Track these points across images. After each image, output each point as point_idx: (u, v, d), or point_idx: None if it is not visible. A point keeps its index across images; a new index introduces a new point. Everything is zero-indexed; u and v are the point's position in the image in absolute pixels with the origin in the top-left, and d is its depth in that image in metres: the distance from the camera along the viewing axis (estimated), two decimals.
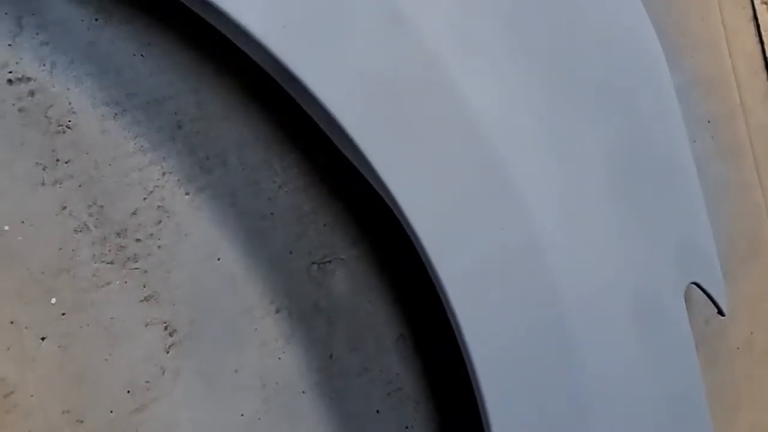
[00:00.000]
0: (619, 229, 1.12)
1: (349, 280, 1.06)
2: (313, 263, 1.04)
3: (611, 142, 1.15)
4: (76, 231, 0.90)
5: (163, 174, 0.94)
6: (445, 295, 0.94)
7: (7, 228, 0.86)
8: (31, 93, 0.88)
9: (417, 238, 0.93)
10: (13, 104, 0.87)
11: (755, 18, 1.43)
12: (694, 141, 1.30)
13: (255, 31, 0.86)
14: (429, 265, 0.95)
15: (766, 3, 1.44)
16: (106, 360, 0.91)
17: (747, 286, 1.36)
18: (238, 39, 0.90)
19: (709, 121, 1.37)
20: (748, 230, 1.39)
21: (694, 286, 1.15)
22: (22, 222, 0.87)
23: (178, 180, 0.95)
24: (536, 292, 1.00)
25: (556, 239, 1.03)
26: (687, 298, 1.14)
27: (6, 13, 0.86)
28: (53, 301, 0.89)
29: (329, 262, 1.05)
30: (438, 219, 0.95)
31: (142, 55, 0.93)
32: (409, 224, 0.92)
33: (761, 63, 1.43)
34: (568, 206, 1.06)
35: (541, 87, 1.04)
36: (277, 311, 1.01)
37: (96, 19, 0.90)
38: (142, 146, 0.93)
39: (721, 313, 1.24)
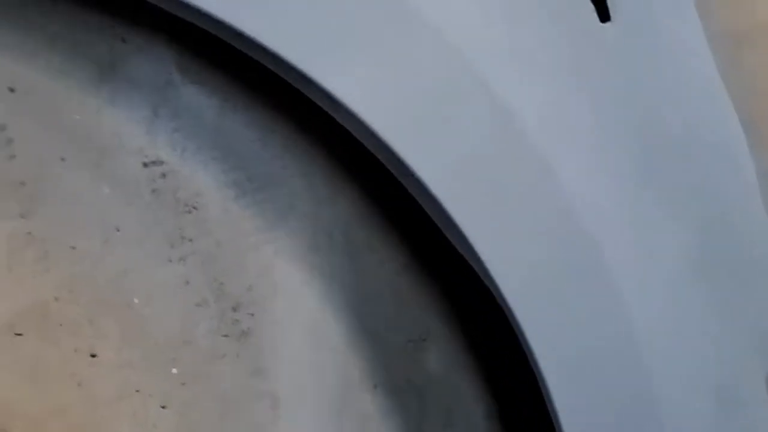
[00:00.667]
0: (703, 317, 1.14)
1: (442, 357, 1.10)
2: (409, 341, 1.08)
3: (694, 231, 1.18)
4: (197, 305, 0.95)
5: (276, 252, 1.00)
6: (544, 383, 0.98)
7: (136, 301, 0.92)
8: (163, 175, 0.94)
9: (519, 327, 0.97)
10: (147, 186, 0.93)
11: None
12: None
13: (372, 123, 0.91)
14: (529, 353, 0.99)
15: None
16: (218, 429, 0.95)
17: None
18: (354, 128, 0.96)
19: None
20: None
21: None
22: (150, 296, 0.93)
23: (290, 258, 1.00)
24: (628, 381, 1.03)
25: (646, 326, 1.07)
26: None
27: (144, 102, 0.92)
28: (174, 371, 0.94)
29: (424, 340, 1.09)
30: (537, 306, 0.99)
31: (261, 141, 0.99)
32: (512, 314, 0.96)
33: None
34: (655, 293, 1.09)
35: (629, 177, 1.08)
36: (375, 387, 1.05)
37: (222, 108, 0.96)
38: (258, 226, 0.99)
39: None
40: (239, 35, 0.86)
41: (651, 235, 1.10)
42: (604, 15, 1.15)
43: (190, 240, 0.94)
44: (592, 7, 1.11)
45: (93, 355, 0.90)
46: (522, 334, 0.99)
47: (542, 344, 0.99)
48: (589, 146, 1.08)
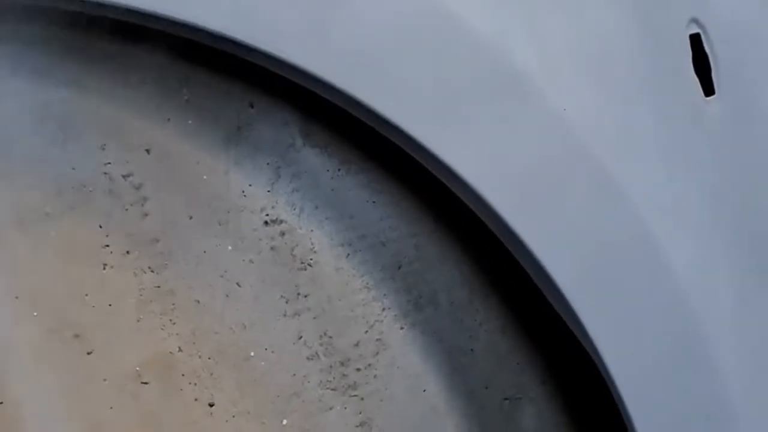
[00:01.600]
0: None
1: (537, 417, 1.12)
2: (506, 399, 1.10)
3: None
4: (308, 359, 0.98)
5: (383, 310, 1.02)
6: None
7: (252, 354, 0.95)
8: (282, 234, 0.97)
9: (619, 396, 0.98)
10: (267, 243, 0.96)
11: None
12: None
13: (489, 198, 0.94)
14: (625, 413, 1.00)
15: None
16: None
17: None
18: (464, 195, 0.99)
19: None
20: None
21: None
22: (265, 349, 0.96)
23: (395, 316, 1.03)
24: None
25: (740, 393, 1.07)
26: None
27: (268, 164, 0.96)
28: (284, 422, 0.97)
29: (520, 399, 1.11)
30: (638, 377, 1.00)
31: (373, 202, 1.02)
32: (613, 382, 0.98)
33: None
34: (752, 360, 1.10)
35: (735, 256, 1.09)
36: None
37: (339, 170, 1.00)
38: (367, 284, 1.02)
39: None
40: (362, 107, 0.89)
41: (755, 315, 1.10)
42: (708, 89, 1.15)
43: (305, 296, 0.98)
44: (696, 80, 1.11)
45: (211, 404, 0.93)
46: (621, 401, 1.01)
47: (641, 414, 1.00)
48: (695, 217, 1.08)
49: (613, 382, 1.00)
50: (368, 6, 0.90)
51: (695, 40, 1.14)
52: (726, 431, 1.07)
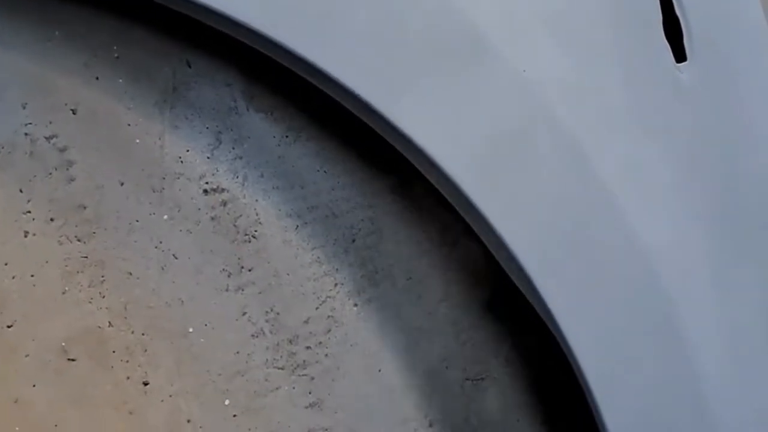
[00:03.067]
0: None
1: (500, 397, 1.03)
2: (467, 379, 1.01)
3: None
4: (253, 336, 0.89)
5: (335, 285, 0.93)
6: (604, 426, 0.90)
7: (191, 330, 0.86)
8: (224, 203, 0.88)
9: (581, 373, 0.89)
10: (207, 213, 0.87)
11: None
12: None
13: (445, 166, 0.85)
14: (591, 397, 0.91)
15: None
16: None
17: None
18: (421, 164, 0.89)
19: None
20: None
21: None
22: (206, 325, 0.87)
23: (349, 291, 0.94)
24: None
25: (715, 374, 0.98)
26: None
27: (207, 127, 0.87)
28: (227, 402, 0.88)
29: (482, 378, 1.02)
30: (602, 351, 0.91)
31: (324, 171, 0.93)
32: (575, 359, 0.89)
33: None
34: (728, 342, 1.01)
35: (710, 224, 1.00)
36: (431, 425, 0.98)
37: (286, 136, 0.91)
38: (318, 258, 0.92)
39: None
40: (311, 67, 0.80)
41: (728, 280, 1.01)
42: (680, 55, 1.07)
43: (249, 270, 0.88)
44: (667, 46, 1.02)
45: (145, 383, 0.84)
46: (586, 384, 0.91)
47: (607, 398, 0.91)
48: (667, 189, 1.00)
49: (575, 360, 0.90)
50: None
51: (666, 5, 1.05)
52: (697, 408, 0.97)
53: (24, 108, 0.81)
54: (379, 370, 0.96)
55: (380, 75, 0.85)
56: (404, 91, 0.86)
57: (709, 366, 0.99)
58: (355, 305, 0.95)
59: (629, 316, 0.95)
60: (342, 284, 0.94)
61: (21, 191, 0.81)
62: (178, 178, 0.86)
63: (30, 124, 0.82)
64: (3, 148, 0.80)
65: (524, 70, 0.92)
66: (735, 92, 1.11)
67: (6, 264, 0.81)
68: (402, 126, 0.86)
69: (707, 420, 0.98)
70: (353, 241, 0.95)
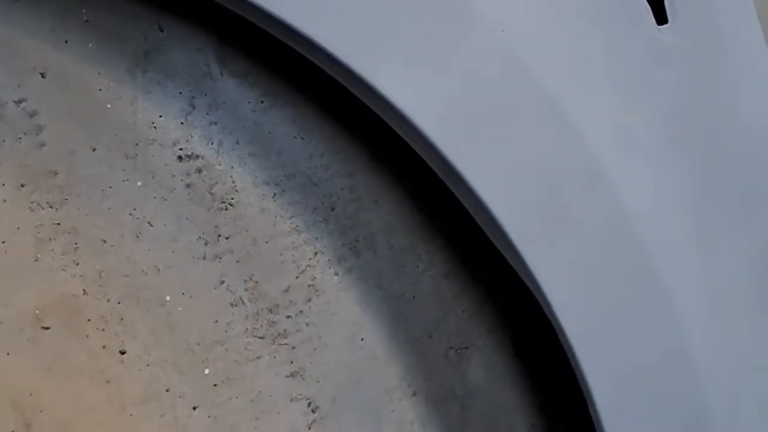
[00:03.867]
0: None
1: (484, 367, 1.01)
2: (451, 348, 0.99)
3: (759, 246, 1.08)
4: (231, 305, 0.86)
5: (315, 254, 0.91)
6: (592, 399, 0.88)
7: (168, 298, 0.83)
8: (199, 170, 0.85)
9: (569, 344, 0.87)
10: (182, 180, 0.84)
11: None
12: None
13: (422, 126, 0.82)
14: (578, 370, 0.89)
15: None
16: None
17: None
18: (400, 127, 0.87)
19: None
20: None
21: None
22: (183, 293, 0.84)
23: (329, 260, 0.91)
24: (683, 401, 0.93)
25: (703, 344, 0.96)
26: None
27: (180, 93, 0.84)
28: (206, 371, 0.85)
29: (466, 348, 0.99)
30: (589, 322, 0.89)
31: (302, 138, 0.90)
32: (562, 329, 0.87)
33: None
34: (716, 310, 0.99)
35: (694, 189, 0.98)
36: (414, 394, 0.96)
37: (262, 102, 0.88)
38: (297, 226, 0.90)
39: None
40: (287, 28, 0.77)
41: (716, 248, 0.99)
42: (661, 17, 1.05)
43: (226, 238, 0.86)
44: (648, 9, 1.01)
45: (122, 352, 0.81)
46: (570, 348, 0.89)
47: (592, 361, 0.89)
48: (649, 149, 0.98)
49: (561, 329, 0.88)
50: None
51: None
52: (686, 377, 0.95)
53: None
54: (362, 340, 0.93)
55: (356, 35, 0.82)
56: (381, 51, 0.83)
57: (694, 326, 0.97)
58: (336, 274, 0.92)
59: (614, 278, 0.93)
60: (322, 253, 0.92)
61: None
62: (152, 144, 0.84)
63: None
64: None
65: (503, 30, 0.89)
66: (716, 54, 1.10)
67: None
68: (379, 86, 0.84)
69: (693, 381, 0.96)
70: (333, 209, 0.93)
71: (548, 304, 0.90)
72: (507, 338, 1.01)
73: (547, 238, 0.90)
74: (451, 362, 0.99)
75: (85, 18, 0.81)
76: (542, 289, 0.89)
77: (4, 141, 0.79)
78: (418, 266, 0.97)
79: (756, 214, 1.07)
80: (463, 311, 1.00)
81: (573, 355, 0.91)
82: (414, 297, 0.97)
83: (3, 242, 0.79)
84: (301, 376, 0.90)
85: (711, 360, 0.97)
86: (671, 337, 0.95)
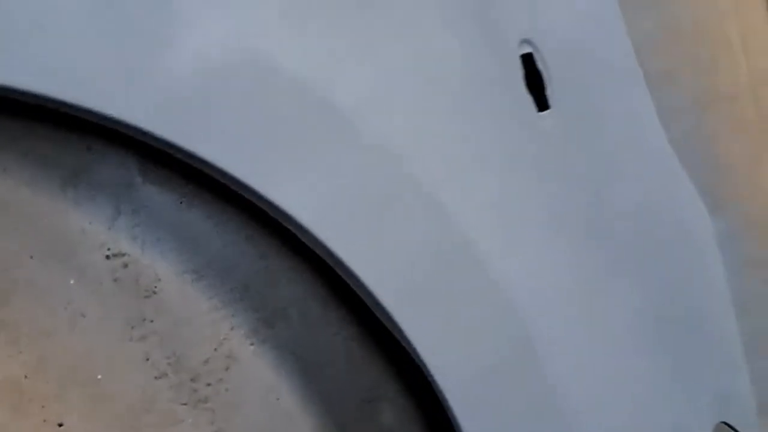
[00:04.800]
0: (652, 382, 1.17)
1: (395, 412, 1.16)
2: (363, 400, 1.14)
3: (643, 297, 1.20)
4: (156, 378, 1.03)
5: (232, 328, 1.07)
6: None
7: (100, 377, 1.00)
8: (125, 265, 1.02)
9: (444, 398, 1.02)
10: (110, 275, 1.01)
11: None
12: None
13: (304, 221, 0.97)
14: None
15: None
16: None
17: None
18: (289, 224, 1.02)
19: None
20: None
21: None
22: (113, 371, 1.01)
23: (245, 333, 1.07)
24: None
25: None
26: None
27: (107, 202, 1.01)
28: None
29: (378, 399, 1.15)
30: (468, 386, 1.04)
31: (217, 231, 1.06)
32: (437, 385, 1.02)
33: None
34: (596, 369, 1.13)
35: (573, 260, 1.12)
36: None
37: (181, 203, 1.04)
38: (215, 305, 1.06)
39: None
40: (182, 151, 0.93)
41: (596, 305, 1.12)
42: (542, 104, 1.16)
43: (151, 321, 1.02)
44: (530, 98, 1.13)
45: (60, 425, 0.98)
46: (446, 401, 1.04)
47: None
48: (535, 235, 1.11)
49: (439, 389, 1.03)
50: (179, 57, 0.93)
51: (528, 59, 1.16)
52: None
53: None
54: (278, 399, 1.09)
55: (249, 155, 0.98)
56: (275, 168, 0.99)
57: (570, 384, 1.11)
58: (252, 344, 1.09)
59: (488, 345, 1.08)
60: (239, 327, 1.08)
61: None
62: (82, 247, 1.00)
63: None
64: None
65: (386, 138, 1.03)
66: (597, 132, 1.22)
67: None
68: (275, 199, 0.99)
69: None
70: (248, 288, 1.09)
71: (423, 365, 1.05)
72: (412, 387, 1.16)
73: (423, 307, 1.05)
74: (363, 412, 1.15)
75: (23, 149, 0.98)
76: (417, 351, 1.05)
77: None
78: (329, 330, 1.13)
79: (642, 272, 1.20)
80: (374, 367, 1.16)
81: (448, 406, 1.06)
82: (326, 359, 1.13)
83: None
84: None
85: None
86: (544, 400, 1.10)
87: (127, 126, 0.89)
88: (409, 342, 1.01)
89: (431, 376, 1.01)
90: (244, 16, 0.95)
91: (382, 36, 1.03)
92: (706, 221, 1.31)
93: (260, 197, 0.96)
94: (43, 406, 0.97)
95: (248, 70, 0.96)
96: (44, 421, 0.98)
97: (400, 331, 1.00)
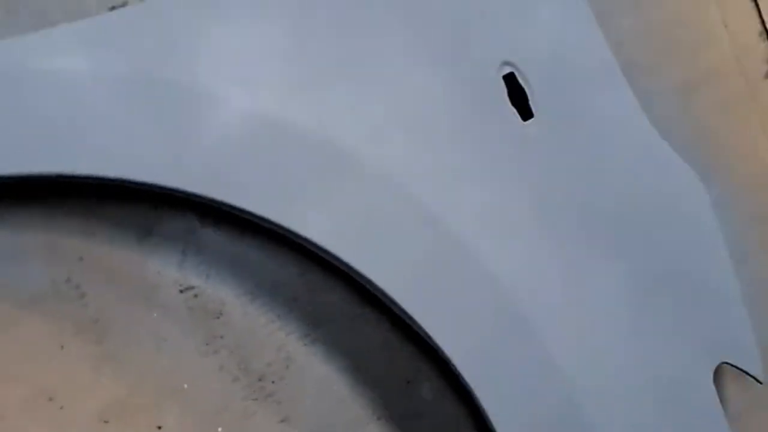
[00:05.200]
0: (648, 342, 1.34)
1: (433, 390, 1.41)
2: (407, 381, 1.40)
3: (640, 268, 1.36)
4: (230, 382, 1.31)
5: (287, 334, 1.33)
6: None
7: (186, 386, 1.29)
8: (195, 296, 1.29)
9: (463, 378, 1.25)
10: (184, 305, 1.29)
11: None
12: None
13: (326, 244, 1.22)
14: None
15: None
16: None
17: None
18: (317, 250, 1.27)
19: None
20: None
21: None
22: (196, 380, 1.29)
23: (298, 336, 1.33)
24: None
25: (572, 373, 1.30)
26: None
27: (175, 247, 1.28)
28: (220, 429, 1.30)
29: (417, 379, 1.40)
30: (478, 362, 1.26)
31: (266, 257, 1.33)
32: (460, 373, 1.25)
33: None
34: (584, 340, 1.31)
35: (563, 252, 1.31)
36: (378, 418, 1.38)
37: (234, 239, 1.31)
38: (271, 318, 1.33)
39: (759, 381, 1.35)
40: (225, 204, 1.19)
41: (584, 277, 1.31)
42: (526, 113, 1.34)
43: (221, 337, 1.30)
44: (513, 110, 1.32)
45: (159, 427, 1.28)
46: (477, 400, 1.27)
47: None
48: (522, 228, 1.31)
49: (455, 366, 1.27)
50: (213, 130, 1.19)
51: (510, 78, 1.34)
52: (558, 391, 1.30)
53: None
54: (331, 388, 1.36)
55: (279, 199, 1.24)
56: (299, 206, 1.24)
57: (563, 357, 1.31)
58: (305, 345, 1.35)
59: (497, 339, 1.29)
60: (292, 333, 1.35)
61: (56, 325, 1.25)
62: (159, 286, 1.29)
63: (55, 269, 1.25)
64: (41, 294, 1.25)
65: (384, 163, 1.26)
66: (580, 128, 1.35)
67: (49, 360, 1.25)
68: (303, 232, 1.25)
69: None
70: (296, 300, 1.36)
71: (439, 348, 1.29)
72: (447, 368, 1.40)
73: (431, 301, 1.28)
74: (406, 391, 1.41)
75: (104, 215, 1.27)
76: (432, 337, 1.29)
77: (62, 308, 1.26)
78: (368, 327, 1.39)
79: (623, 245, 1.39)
80: (411, 354, 1.41)
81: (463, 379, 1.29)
82: (369, 349, 1.39)
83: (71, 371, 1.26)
84: (287, 421, 1.35)
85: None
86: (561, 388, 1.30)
87: (180, 191, 1.16)
88: (424, 330, 1.24)
89: (447, 356, 1.25)
90: (258, 90, 1.20)
91: (374, 86, 1.26)
92: (699, 188, 1.42)
93: (292, 231, 1.21)
94: (145, 416, 1.26)
95: (268, 131, 1.21)
96: (147, 426, 1.27)
97: (415, 322, 1.24)
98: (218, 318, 1.24)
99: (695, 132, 1.45)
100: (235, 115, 1.14)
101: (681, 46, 1.53)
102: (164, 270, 1.23)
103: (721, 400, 1.32)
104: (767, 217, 1.51)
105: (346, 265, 1.17)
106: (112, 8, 1.21)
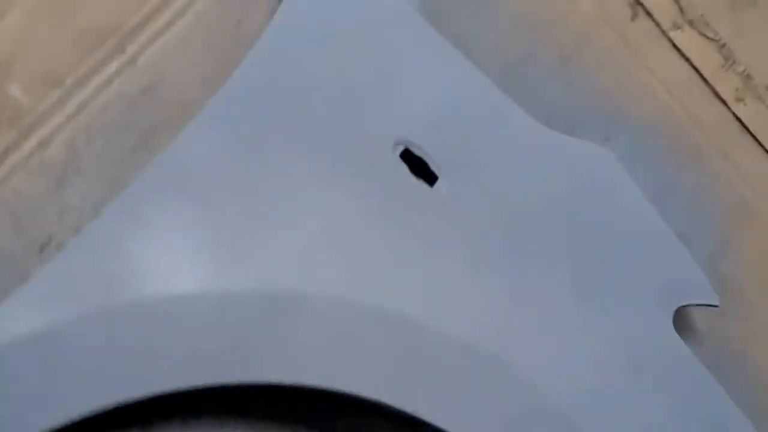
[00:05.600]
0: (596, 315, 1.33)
1: None
2: None
3: (573, 258, 1.36)
4: None
5: None
6: None
7: None
8: None
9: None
10: None
11: None
12: None
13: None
14: None
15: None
16: None
17: None
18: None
19: None
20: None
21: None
22: None
23: None
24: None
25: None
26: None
27: None
28: None
29: None
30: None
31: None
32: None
33: None
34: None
35: (499, 274, 1.31)
36: None
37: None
38: None
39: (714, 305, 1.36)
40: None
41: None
42: (430, 178, 1.34)
43: None
44: (419, 181, 1.31)
45: None
46: None
47: None
48: (459, 278, 1.31)
49: None
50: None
51: (406, 154, 1.34)
52: None
53: None
54: None
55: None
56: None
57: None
58: None
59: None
60: None
61: None
62: None
63: None
64: None
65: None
66: (485, 169, 1.37)
67: None
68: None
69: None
70: None
71: None
72: None
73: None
74: None
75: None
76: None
77: None
78: None
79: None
80: None
81: None
82: None
83: None
84: None
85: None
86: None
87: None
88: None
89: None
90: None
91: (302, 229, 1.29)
92: (602, 152, 1.44)
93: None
94: None
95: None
96: None
97: None
98: None
99: (587, 97, 1.52)
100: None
101: (548, 24, 1.56)
102: None
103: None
104: (674, 148, 1.59)
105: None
106: (41, 249, 1.21)
